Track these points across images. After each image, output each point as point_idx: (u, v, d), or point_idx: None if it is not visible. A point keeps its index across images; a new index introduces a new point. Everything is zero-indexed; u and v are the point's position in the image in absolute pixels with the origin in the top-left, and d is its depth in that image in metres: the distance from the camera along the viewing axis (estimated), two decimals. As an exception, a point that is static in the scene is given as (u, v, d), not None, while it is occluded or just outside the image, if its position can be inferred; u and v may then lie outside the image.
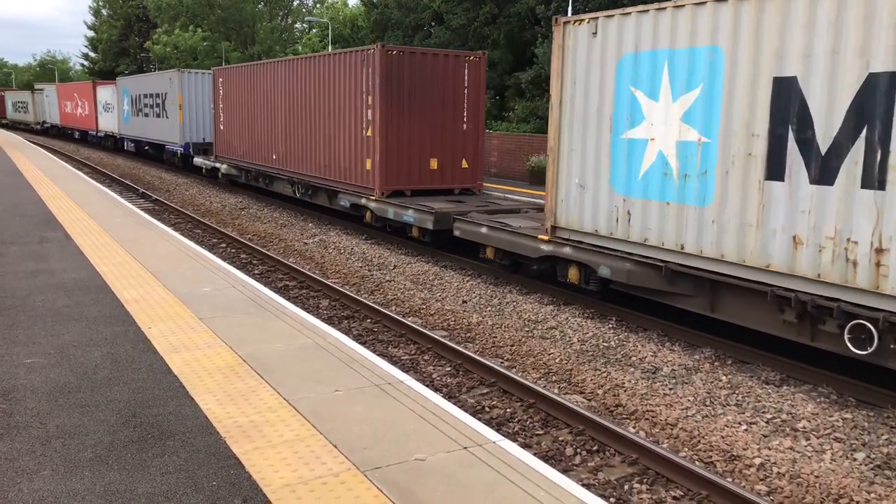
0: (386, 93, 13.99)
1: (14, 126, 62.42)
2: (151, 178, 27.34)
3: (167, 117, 27.36)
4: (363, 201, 14.76)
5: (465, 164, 15.10)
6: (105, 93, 37.67)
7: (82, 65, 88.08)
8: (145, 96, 30.20)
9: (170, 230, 12.25)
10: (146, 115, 30.18)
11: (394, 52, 14.10)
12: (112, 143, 38.20)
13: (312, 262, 13.48)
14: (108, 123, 37.62)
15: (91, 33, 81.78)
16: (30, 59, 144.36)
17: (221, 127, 22.81)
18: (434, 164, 14.76)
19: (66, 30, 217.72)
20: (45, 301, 7.47)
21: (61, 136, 50.56)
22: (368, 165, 14.50)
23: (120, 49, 75.28)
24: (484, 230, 11.64)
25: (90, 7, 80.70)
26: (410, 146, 14.47)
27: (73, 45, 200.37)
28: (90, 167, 30.52)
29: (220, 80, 22.64)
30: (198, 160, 25.11)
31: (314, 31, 62.61)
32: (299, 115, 17.38)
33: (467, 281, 11.76)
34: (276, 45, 57.20)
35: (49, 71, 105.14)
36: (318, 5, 66.41)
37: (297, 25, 66.57)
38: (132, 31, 75.11)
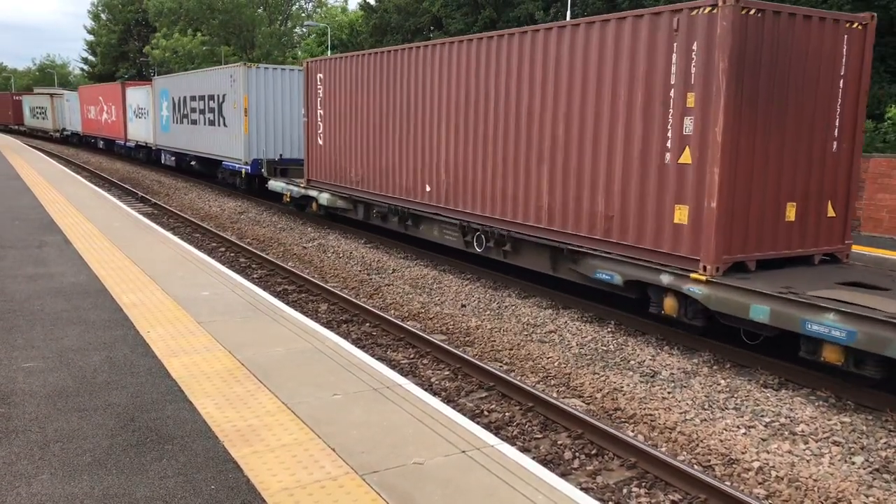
0: (734, 87, 7.88)
1: (32, 134, 56.71)
2: (150, 182, 27.35)
3: (225, 125, 21.75)
4: (667, 279, 8.57)
5: (831, 212, 9.13)
6: (137, 95, 32.05)
7: (81, 69, 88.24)
8: (193, 99, 24.39)
9: (169, 234, 12.25)
10: (194, 121, 24.46)
11: (752, 13, 7.88)
12: (145, 156, 32.61)
13: (311, 266, 13.49)
14: (140, 132, 31.97)
15: (90, 37, 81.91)
16: (29, 63, 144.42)
17: (321, 141, 16.65)
18: (791, 211, 8.76)
19: (66, 34, 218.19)
20: (43, 305, 7.47)
21: (85, 146, 45.37)
22: (680, 216, 8.44)
23: (119, 53, 75.42)
24: None
25: (90, 11, 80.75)
26: (764, 182, 8.43)
27: (73, 48, 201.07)
28: (89, 171, 30.54)
29: (320, 75, 16.48)
30: (276, 184, 19.02)
31: (312, 36, 62.77)
32: (491, 125, 11.33)
33: (466, 285, 11.77)
34: (275, 50, 57.28)
35: (48, 75, 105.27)
36: (317, 10, 66.56)
37: (297, 30, 66.69)
38: (131, 35, 75.26)
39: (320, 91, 16.54)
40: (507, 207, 11.12)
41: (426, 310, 10.45)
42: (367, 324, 9.65)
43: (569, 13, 27.46)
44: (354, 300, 10.43)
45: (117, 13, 75.93)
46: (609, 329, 9.46)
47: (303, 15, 66.15)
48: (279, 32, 62.84)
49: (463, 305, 10.68)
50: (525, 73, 10.61)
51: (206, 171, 24.93)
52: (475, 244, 12.11)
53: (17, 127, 61.83)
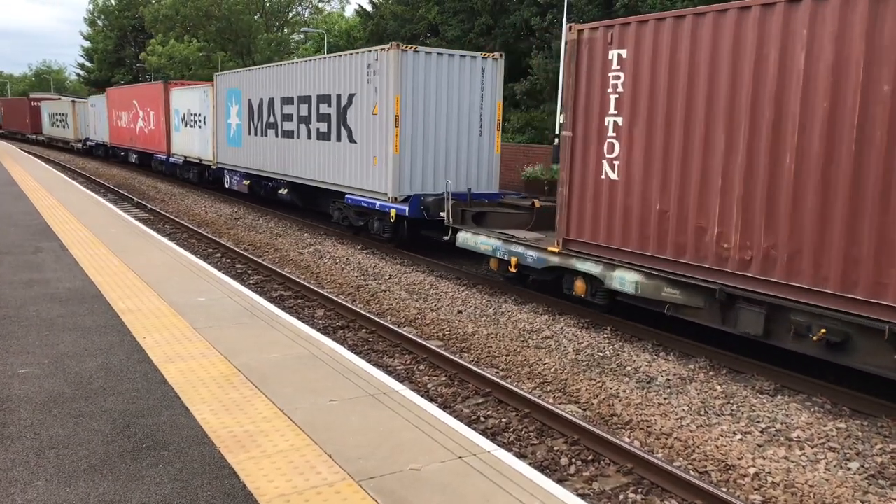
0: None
1: (50, 144, 50.61)
2: (147, 189, 27.31)
3: (351, 141, 15.19)
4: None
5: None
6: (188, 98, 25.50)
7: (78, 74, 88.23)
8: (288, 101, 17.85)
9: (165, 240, 12.24)
10: (289, 134, 17.94)
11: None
12: (196, 176, 25.91)
13: (308, 272, 13.48)
14: (189, 144, 25.42)
15: (87, 43, 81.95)
16: (25, 69, 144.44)
17: (612, 173, 9.32)
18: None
19: (63, 40, 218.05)
20: (39, 311, 7.45)
21: (113, 160, 37.87)
22: None
23: (116, 59, 75.45)
24: None
25: (86, 18, 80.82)
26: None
27: (70, 54, 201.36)
28: (85, 177, 30.49)
29: (619, 52, 9.07)
30: (473, 240, 11.84)
31: (309, 42, 62.90)
32: None
33: (462, 291, 11.77)
34: (273, 56, 57.35)
35: (45, 81, 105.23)
36: (314, 17, 66.72)
37: (294, 36, 66.83)
38: (128, 41, 75.31)
39: (618, 81, 9.10)
40: None
41: (423, 315, 10.45)
42: (364, 329, 9.64)
43: (564, 19, 27.56)
44: (351, 306, 10.43)
45: (114, 19, 75.97)
46: (605, 335, 9.46)
47: (300, 21, 66.30)
48: (276, 39, 62.91)
49: (459, 311, 10.68)
50: None
51: (305, 203, 18.43)
52: None
53: (34, 136, 54.57)
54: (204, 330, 6.91)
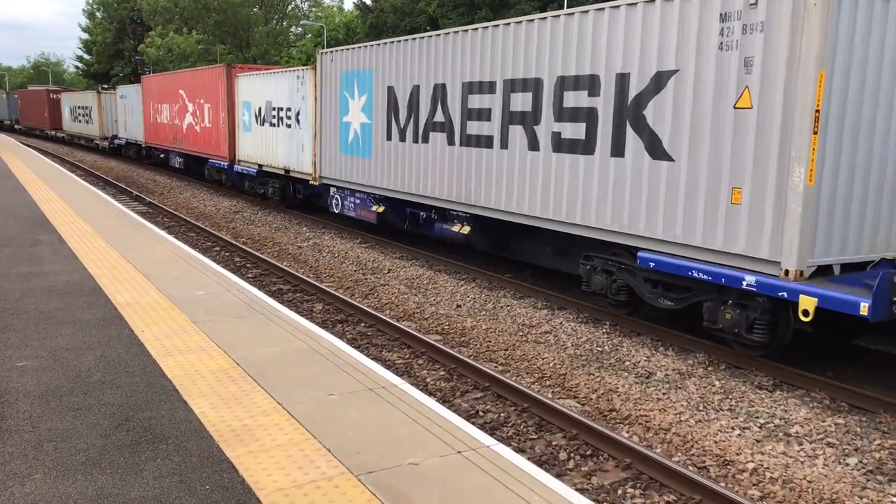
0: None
1: (71, 142, 45.01)
2: (146, 182, 27.25)
3: (661, 156, 8.46)
4: None
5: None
6: (267, 86, 19.14)
7: (76, 67, 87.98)
8: (487, 89, 11.21)
9: (164, 233, 12.22)
10: (481, 141, 11.40)
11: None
12: (278, 191, 19.48)
13: (307, 265, 13.47)
14: (270, 150, 19.01)
15: (86, 36, 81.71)
16: (24, 61, 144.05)
17: None
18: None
19: (62, 32, 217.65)
20: (37, 304, 7.44)
21: (148, 163, 31.91)
22: None
23: (114, 52, 75.24)
24: None
25: (84, 10, 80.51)
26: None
27: (69, 47, 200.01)
28: (84, 170, 30.42)
29: None
30: None
31: (308, 35, 62.74)
32: None
33: (461, 285, 11.76)
34: (271, 49, 57.23)
35: (43, 73, 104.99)
36: (313, 9, 66.55)
37: (293, 29, 66.67)
38: (126, 33, 75.09)
39: None
40: None
41: (421, 310, 10.44)
42: (363, 324, 9.64)
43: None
44: (350, 300, 10.42)
45: (112, 11, 75.75)
46: (604, 330, 9.46)
47: (299, 14, 66.11)
48: (275, 32, 62.75)
49: (458, 306, 10.67)
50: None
51: (511, 251, 12.41)
52: None
53: (53, 133, 47.83)
54: (202, 323, 6.90)
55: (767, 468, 5.91)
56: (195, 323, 6.91)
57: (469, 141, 11.77)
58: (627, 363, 8.28)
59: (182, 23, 59.25)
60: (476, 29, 11.48)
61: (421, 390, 6.48)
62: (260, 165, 19.81)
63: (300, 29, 65.34)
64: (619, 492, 5.54)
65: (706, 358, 8.41)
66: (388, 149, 14.00)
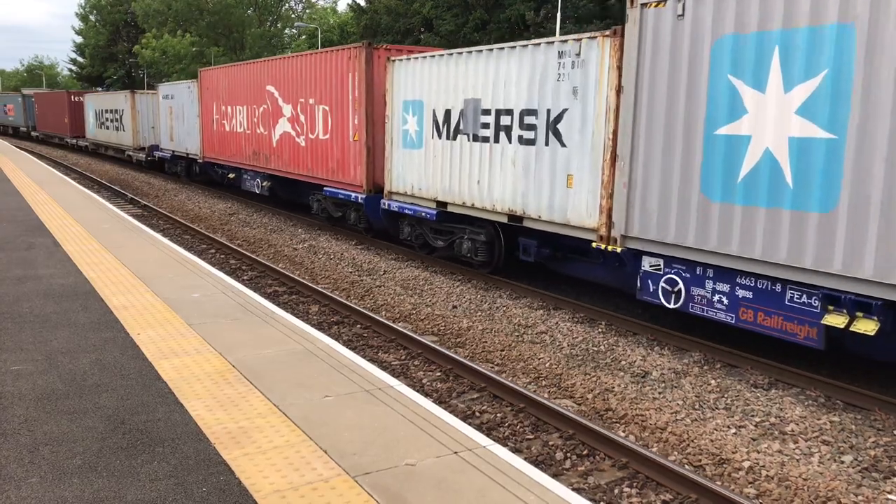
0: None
1: (96, 152, 37.45)
2: (140, 184, 27.19)
3: None
4: None
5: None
6: (445, 75, 12.10)
7: (70, 69, 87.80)
8: None
9: (158, 236, 12.20)
10: None
11: None
12: (484, 251, 11.84)
13: (302, 267, 13.46)
14: (462, 180, 11.81)
15: (79, 38, 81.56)
16: (17, 64, 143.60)
17: None
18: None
19: (55, 35, 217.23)
20: (32, 307, 7.42)
21: (204, 184, 25.40)
22: None
23: (108, 54, 75.10)
24: None
25: (77, 13, 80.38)
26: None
27: (62, 50, 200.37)
28: (78, 173, 30.34)
29: None
30: None
31: (303, 37, 62.72)
32: None
33: (457, 286, 11.77)
34: (264, 51, 57.13)
35: (36, 76, 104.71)
36: (307, 11, 66.53)
37: (287, 31, 66.62)
38: (120, 36, 74.96)
39: None
40: None
41: (417, 311, 10.44)
42: (359, 325, 9.64)
43: (559, 14, 27.53)
44: (345, 301, 10.42)
45: (105, 14, 75.63)
46: (600, 329, 9.48)
47: (293, 16, 66.07)
48: (269, 33, 62.68)
49: (454, 307, 10.68)
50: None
51: None
52: None
53: (74, 141, 40.20)
54: (198, 326, 6.89)
55: (763, 466, 5.93)
56: (191, 325, 6.90)
57: None
58: (623, 363, 8.30)
59: (175, 25, 59.16)
60: None
61: (417, 391, 6.48)
62: (441, 203, 12.56)
63: (294, 30, 65.31)
64: (616, 491, 5.55)
65: (702, 357, 8.43)
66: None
